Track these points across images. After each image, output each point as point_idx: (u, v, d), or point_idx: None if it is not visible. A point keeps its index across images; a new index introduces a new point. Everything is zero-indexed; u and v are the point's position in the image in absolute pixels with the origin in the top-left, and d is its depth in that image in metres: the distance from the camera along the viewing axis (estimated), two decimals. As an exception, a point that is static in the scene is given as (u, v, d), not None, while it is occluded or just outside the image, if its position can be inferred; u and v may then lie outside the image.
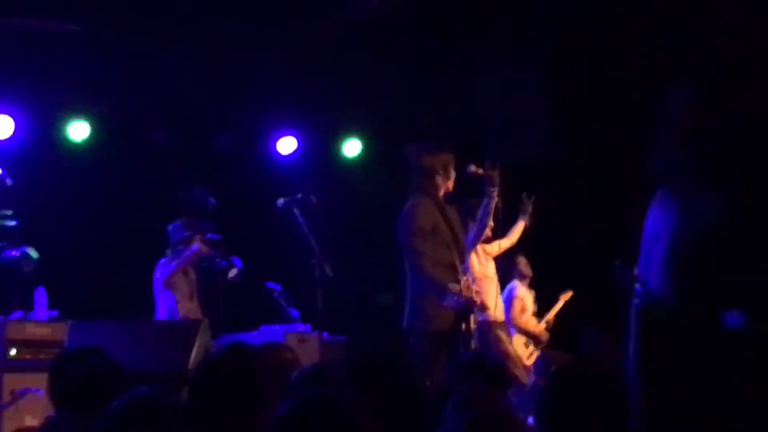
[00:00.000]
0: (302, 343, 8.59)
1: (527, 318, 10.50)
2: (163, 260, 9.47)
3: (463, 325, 6.47)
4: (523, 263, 10.56)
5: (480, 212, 7.13)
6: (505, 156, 10.85)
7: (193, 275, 9.57)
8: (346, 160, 12.00)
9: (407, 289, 6.57)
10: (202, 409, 3.46)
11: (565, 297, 10.71)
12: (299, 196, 8.53)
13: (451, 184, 6.85)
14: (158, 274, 9.44)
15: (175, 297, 9.32)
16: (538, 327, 10.54)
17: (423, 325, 6.40)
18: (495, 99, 10.81)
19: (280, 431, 2.50)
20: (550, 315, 10.74)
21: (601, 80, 11.26)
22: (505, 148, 10.82)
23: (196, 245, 9.36)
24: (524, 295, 10.51)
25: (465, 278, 6.56)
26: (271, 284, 9.63)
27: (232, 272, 10.39)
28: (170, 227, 9.52)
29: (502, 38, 10.55)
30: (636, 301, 0.68)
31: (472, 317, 6.53)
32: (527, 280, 10.58)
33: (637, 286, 0.68)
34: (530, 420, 6.58)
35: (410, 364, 3.23)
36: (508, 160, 10.85)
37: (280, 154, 11.73)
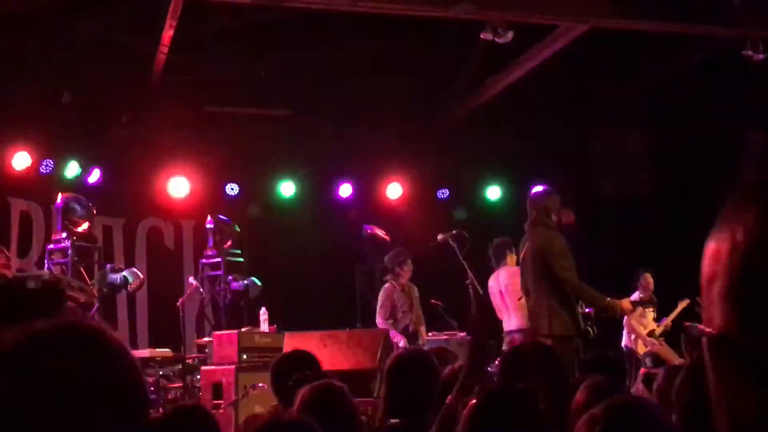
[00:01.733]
0: (461, 346, 8.55)
1: (646, 322, 10.26)
2: (387, 284, 8.97)
3: (591, 330, 6.28)
4: (648, 279, 10.36)
5: None
6: (612, 194, 10.69)
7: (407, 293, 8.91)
8: (489, 202, 11.95)
9: (543, 299, 6.32)
10: (392, 395, 3.53)
11: (683, 305, 10.30)
12: (455, 231, 8.48)
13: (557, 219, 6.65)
14: (383, 296, 8.90)
15: (397, 310, 8.80)
16: (646, 329, 10.28)
17: (562, 329, 6.17)
18: (606, 149, 10.61)
19: (478, 414, 2.33)
20: (669, 319, 10.39)
21: (691, 131, 10.92)
22: (613, 189, 10.61)
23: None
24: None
25: None
26: (434, 300, 9.59)
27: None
28: (386, 257, 9.10)
29: (611, 101, 10.39)
30: (704, 339, 0.63)
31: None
32: (649, 293, 10.36)
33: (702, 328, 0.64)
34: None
35: (557, 360, 3.12)
36: (615, 197, 10.69)
37: (438, 199, 11.79)
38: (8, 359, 1.38)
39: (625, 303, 6.62)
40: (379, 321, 8.81)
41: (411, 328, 8.78)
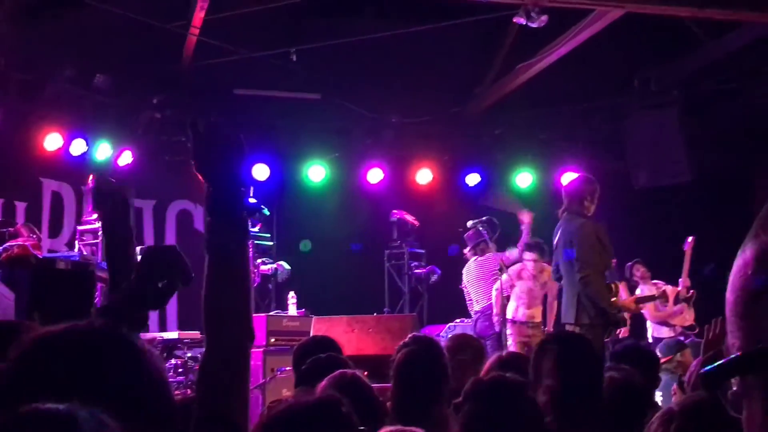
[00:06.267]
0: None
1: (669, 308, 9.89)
2: (479, 258, 8.73)
3: (622, 320, 6.20)
4: (640, 269, 9.94)
5: None
6: (647, 181, 10.53)
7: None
8: (519, 189, 11.83)
9: (572, 288, 6.22)
10: (399, 384, 3.56)
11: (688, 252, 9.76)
12: (485, 218, 8.44)
13: (593, 208, 6.48)
14: (477, 269, 8.72)
15: (490, 288, 8.66)
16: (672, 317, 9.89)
17: (589, 318, 6.09)
18: (640, 137, 10.43)
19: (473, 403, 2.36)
20: (684, 275, 9.54)
21: (726, 117, 10.75)
22: (648, 176, 10.46)
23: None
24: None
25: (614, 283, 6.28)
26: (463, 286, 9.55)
27: (434, 277, 10.45)
28: (467, 234, 8.83)
29: (644, 88, 10.24)
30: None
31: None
32: (649, 283, 9.93)
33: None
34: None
35: (591, 347, 3.08)
36: (650, 185, 10.53)
37: (467, 186, 11.69)
38: (23, 364, 1.38)
39: (628, 303, 6.47)
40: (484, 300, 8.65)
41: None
